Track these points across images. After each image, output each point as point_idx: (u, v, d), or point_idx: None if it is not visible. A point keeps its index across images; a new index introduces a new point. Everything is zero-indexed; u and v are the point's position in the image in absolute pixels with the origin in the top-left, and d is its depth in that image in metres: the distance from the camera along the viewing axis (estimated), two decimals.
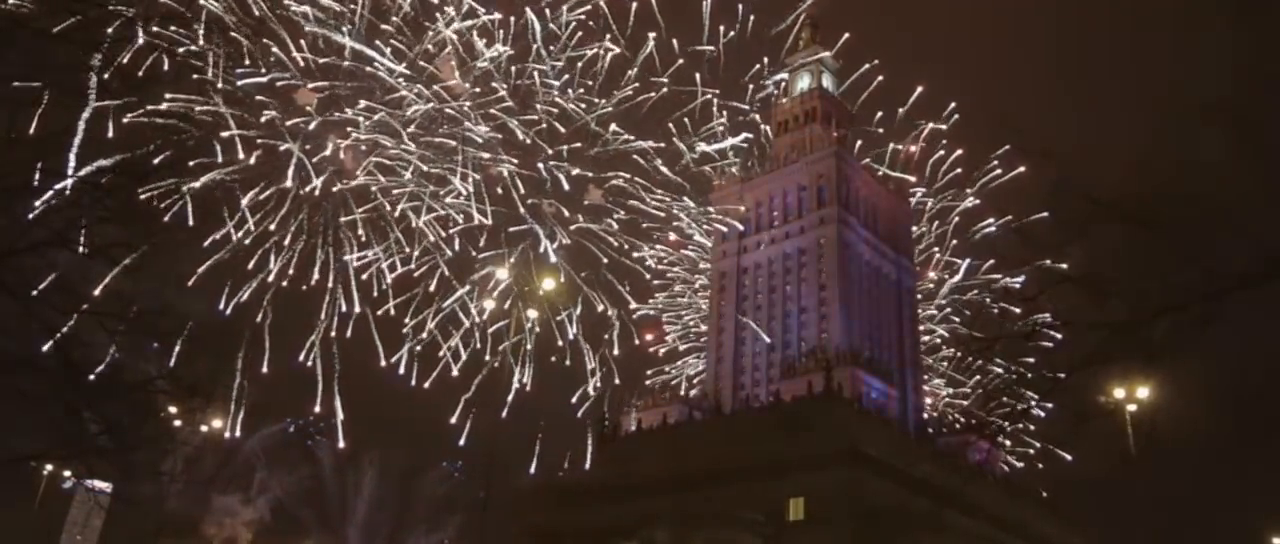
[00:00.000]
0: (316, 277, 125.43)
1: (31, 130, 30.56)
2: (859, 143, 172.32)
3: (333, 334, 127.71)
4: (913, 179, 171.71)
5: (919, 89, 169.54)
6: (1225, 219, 17.08)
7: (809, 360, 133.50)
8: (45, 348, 30.12)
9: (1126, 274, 17.72)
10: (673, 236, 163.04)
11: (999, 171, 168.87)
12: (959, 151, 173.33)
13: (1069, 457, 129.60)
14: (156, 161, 34.28)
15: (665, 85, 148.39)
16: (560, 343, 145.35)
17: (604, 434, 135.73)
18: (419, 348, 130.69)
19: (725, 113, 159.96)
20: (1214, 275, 15.80)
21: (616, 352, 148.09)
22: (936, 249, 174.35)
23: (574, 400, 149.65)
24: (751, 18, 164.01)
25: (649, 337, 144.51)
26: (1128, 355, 18.44)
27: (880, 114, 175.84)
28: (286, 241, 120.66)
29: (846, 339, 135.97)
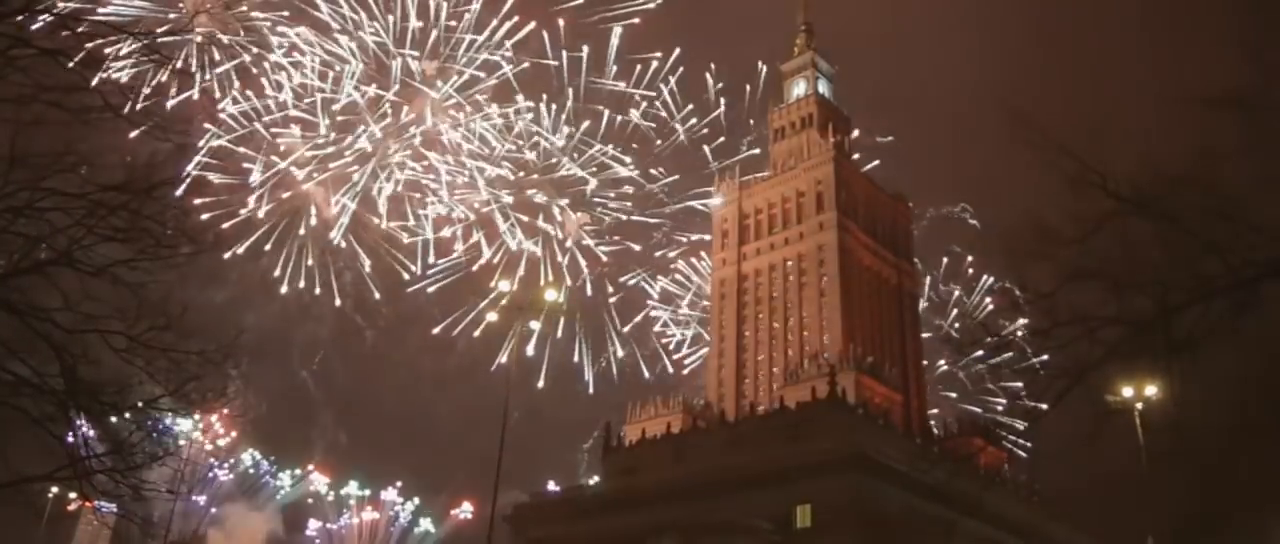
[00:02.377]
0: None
1: (33, 149, 30.38)
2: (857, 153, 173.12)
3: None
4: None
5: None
6: (1243, 208, 16.86)
7: (812, 366, 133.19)
8: (51, 368, 29.89)
9: (1146, 267, 17.48)
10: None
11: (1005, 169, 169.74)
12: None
13: (1073, 466, 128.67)
14: (158, 180, 34.16)
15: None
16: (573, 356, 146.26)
17: (608, 444, 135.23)
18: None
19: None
20: (1240, 265, 15.54)
21: (620, 353, 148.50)
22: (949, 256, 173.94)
23: (577, 411, 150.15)
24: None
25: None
26: (1148, 352, 18.20)
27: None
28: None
29: (849, 344, 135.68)
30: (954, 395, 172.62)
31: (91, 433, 31.25)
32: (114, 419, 32.75)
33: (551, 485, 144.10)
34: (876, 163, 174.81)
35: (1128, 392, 60.13)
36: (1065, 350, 19.33)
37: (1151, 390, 58.70)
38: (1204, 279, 16.42)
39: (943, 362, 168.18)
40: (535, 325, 61.69)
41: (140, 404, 33.54)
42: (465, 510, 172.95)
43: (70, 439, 30.74)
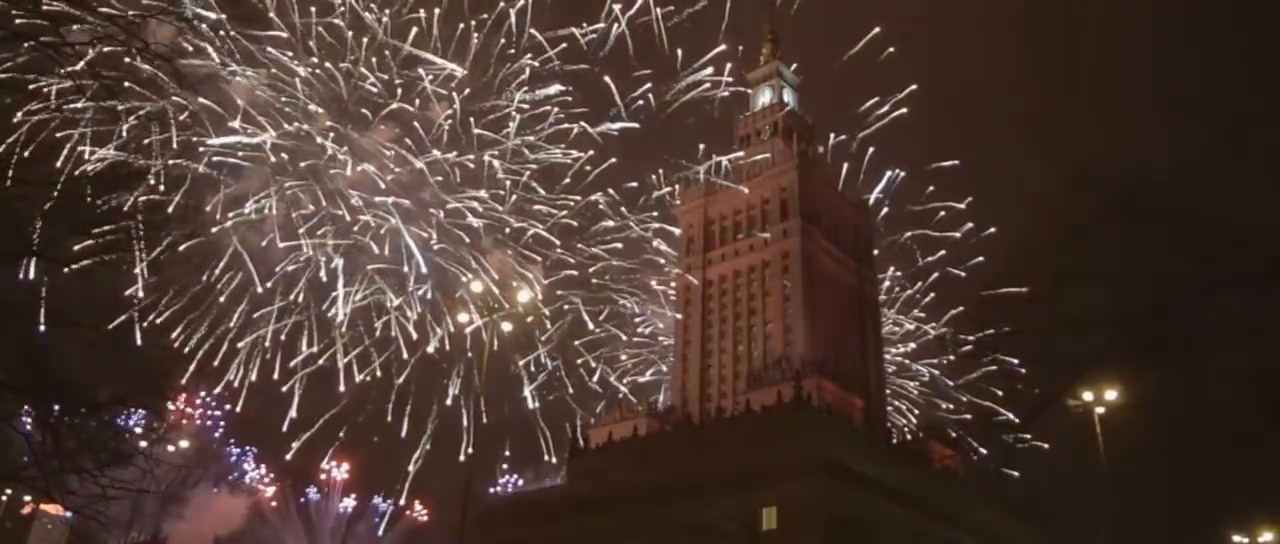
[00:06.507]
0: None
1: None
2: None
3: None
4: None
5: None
6: (1226, 216, 17.31)
7: (776, 370, 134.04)
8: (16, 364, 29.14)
9: (1131, 270, 17.81)
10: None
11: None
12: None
13: (1016, 474, 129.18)
14: (122, 172, 33.59)
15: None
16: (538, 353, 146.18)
17: (574, 447, 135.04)
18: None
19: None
20: (1227, 269, 15.95)
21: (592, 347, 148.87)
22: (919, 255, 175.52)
23: (542, 412, 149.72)
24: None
25: None
26: (1139, 352, 18.57)
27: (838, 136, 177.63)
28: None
29: (812, 349, 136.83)
30: (916, 402, 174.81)
31: (59, 429, 30.50)
32: (83, 416, 31.98)
33: (516, 487, 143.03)
34: (832, 145, 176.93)
35: (1088, 396, 61.44)
36: (1059, 351, 19.63)
37: (1112, 395, 60.07)
38: (1185, 282, 16.83)
39: (915, 366, 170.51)
40: (507, 327, 61.37)
41: (109, 400, 32.77)
42: (419, 512, 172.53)
43: (39, 436, 29.99)
